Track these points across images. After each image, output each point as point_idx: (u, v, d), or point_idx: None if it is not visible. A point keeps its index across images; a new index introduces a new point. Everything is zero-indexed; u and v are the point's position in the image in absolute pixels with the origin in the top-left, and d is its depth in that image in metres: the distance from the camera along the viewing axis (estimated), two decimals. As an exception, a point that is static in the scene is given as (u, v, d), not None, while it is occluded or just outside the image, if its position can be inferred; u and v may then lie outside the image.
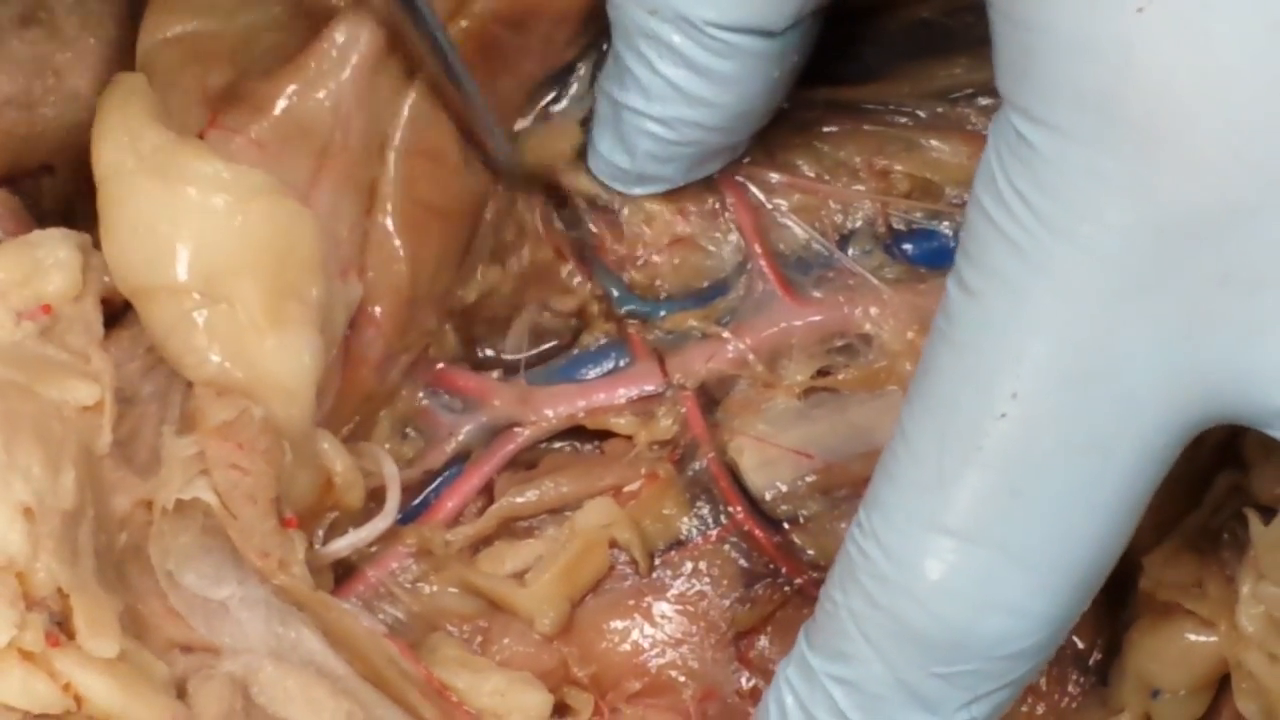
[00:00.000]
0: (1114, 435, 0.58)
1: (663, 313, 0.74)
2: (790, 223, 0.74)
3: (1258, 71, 0.53)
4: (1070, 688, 0.72)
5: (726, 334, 0.73)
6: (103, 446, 0.66)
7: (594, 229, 0.76)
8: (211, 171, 0.67)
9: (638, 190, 0.71)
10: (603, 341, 0.75)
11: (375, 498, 0.72)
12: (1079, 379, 0.57)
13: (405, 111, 0.70)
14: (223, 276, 0.67)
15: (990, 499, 0.59)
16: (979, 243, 0.59)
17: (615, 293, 0.74)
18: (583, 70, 0.73)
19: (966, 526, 0.59)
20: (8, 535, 0.62)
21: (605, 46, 0.73)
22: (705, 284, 0.75)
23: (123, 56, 0.73)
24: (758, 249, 0.74)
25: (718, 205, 0.74)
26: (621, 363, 0.74)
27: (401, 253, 0.71)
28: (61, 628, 0.63)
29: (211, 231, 0.67)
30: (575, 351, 0.75)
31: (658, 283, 0.75)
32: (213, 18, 0.69)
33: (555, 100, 0.75)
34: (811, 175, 0.75)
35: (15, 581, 0.62)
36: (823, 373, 0.73)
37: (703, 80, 0.66)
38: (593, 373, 0.75)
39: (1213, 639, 0.69)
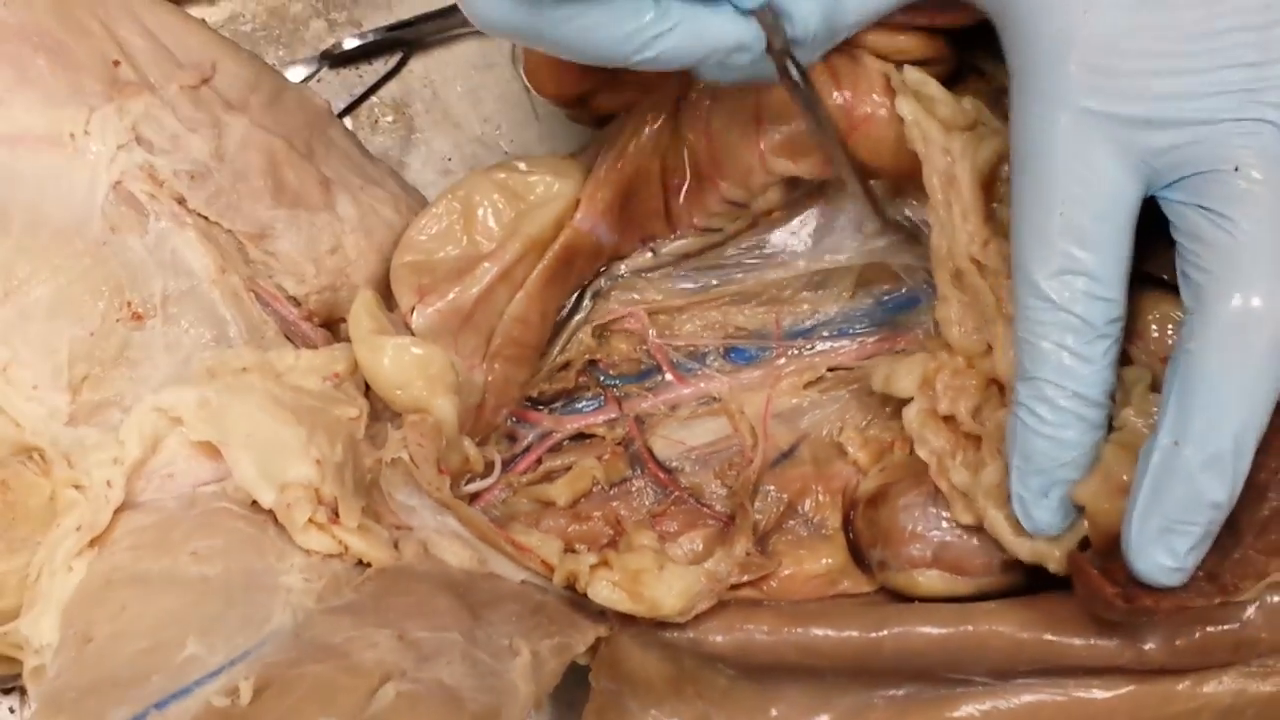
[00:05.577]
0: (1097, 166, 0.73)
1: (631, 383, 0.99)
2: (678, 355, 0.98)
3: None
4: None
5: (650, 395, 0.99)
6: (360, 433, 0.87)
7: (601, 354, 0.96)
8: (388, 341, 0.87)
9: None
10: (590, 397, 1.00)
11: (489, 470, 0.95)
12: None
13: (515, 298, 0.91)
14: (407, 381, 0.86)
15: (1062, 234, 0.74)
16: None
17: (601, 378, 0.99)
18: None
19: (1068, 248, 0.74)
20: (310, 473, 0.82)
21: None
22: (640, 371, 1.01)
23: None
24: (667, 370, 0.99)
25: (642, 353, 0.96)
26: (600, 404, 1.00)
27: (498, 365, 0.93)
28: (336, 515, 0.82)
29: (395, 362, 0.86)
30: (578, 399, 0.99)
31: (618, 372, 1.00)
32: (426, 252, 0.91)
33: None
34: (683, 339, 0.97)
35: (314, 493, 0.81)
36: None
37: None
38: (586, 409, 1.00)
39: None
